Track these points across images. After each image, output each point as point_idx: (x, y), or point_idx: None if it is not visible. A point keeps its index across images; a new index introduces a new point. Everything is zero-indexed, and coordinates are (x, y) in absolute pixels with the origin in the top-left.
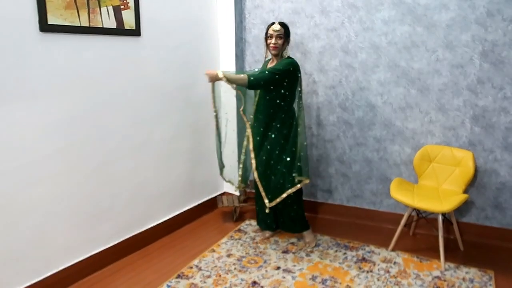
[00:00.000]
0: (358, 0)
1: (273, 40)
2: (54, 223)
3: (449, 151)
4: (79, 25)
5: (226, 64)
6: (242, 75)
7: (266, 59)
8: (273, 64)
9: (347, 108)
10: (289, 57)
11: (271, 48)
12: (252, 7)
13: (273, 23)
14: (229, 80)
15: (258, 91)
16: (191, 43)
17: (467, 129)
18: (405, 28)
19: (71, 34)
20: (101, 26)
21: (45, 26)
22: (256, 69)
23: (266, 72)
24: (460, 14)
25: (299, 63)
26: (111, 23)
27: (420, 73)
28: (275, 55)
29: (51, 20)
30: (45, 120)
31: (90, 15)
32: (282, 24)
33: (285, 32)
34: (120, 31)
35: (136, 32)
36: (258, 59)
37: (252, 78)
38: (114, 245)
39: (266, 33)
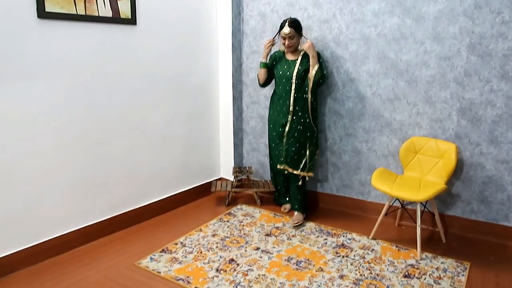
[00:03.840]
0: None
1: (286, 42)
2: (50, 193)
3: (434, 143)
4: (75, 13)
5: (224, 55)
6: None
7: (281, 50)
8: (291, 55)
9: (337, 99)
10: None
11: (286, 47)
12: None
13: (283, 26)
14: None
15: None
16: (187, 32)
17: (454, 122)
18: (394, 20)
19: (67, 21)
20: (97, 15)
21: (42, 13)
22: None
23: (323, 73)
24: (448, 6)
25: None
26: (107, 12)
27: (409, 65)
28: (292, 50)
29: (49, 7)
30: (43, 99)
31: (87, 4)
32: (292, 25)
33: (295, 30)
34: (116, 19)
35: (131, 21)
36: (255, 50)
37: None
38: (107, 219)
39: (279, 32)
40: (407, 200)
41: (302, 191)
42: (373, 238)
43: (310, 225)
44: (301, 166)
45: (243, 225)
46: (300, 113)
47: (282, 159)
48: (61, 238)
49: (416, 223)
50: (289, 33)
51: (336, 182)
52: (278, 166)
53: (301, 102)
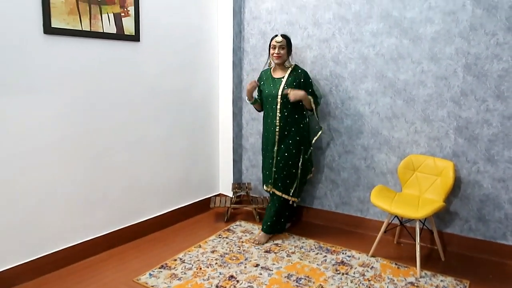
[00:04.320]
0: (348, 13)
1: (276, 50)
2: (50, 207)
3: (432, 161)
4: (80, 29)
5: (224, 72)
6: (311, 99)
7: (269, 67)
8: (277, 73)
9: (336, 117)
10: (296, 65)
11: (274, 57)
12: (251, 18)
13: (276, 35)
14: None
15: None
16: (189, 49)
17: (451, 140)
18: (392, 40)
19: (72, 37)
20: (102, 31)
21: (48, 29)
22: (263, 78)
23: (318, 99)
24: (444, 27)
25: None
26: (111, 28)
27: (406, 84)
28: (279, 64)
29: (55, 23)
30: (46, 113)
31: (92, 20)
32: (284, 36)
33: (287, 43)
34: (120, 36)
35: (135, 37)
36: (255, 67)
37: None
38: (106, 234)
39: (270, 45)
40: (406, 217)
41: (280, 212)
42: (373, 256)
43: (309, 242)
44: (291, 191)
45: (242, 242)
46: (286, 132)
47: (270, 180)
48: (61, 252)
49: (415, 240)
50: (281, 42)
51: (335, 199)
52: (265, 188)
53: (289, 120)
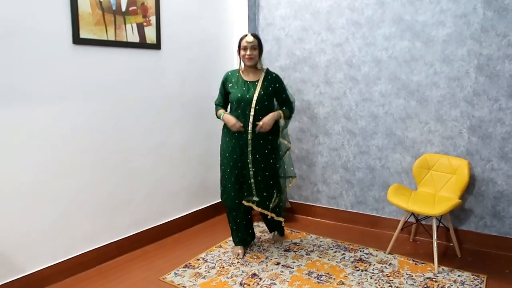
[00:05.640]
0: (361, 18)
1: (248, 52)
2: (78, 211)
3: (446, 160)
4: (106, 39)
5: None
6: (281, 115)
7: (240, 70)
8: (249, 76)
9: (351, 118)
10: (268, 69)
11: (246, 59)
12: (265, 25)
13: (245, 35)
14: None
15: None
16: (207, 57)
17: (465, 139)
18: (404, 43)
19: (99, 47)
20: (126, 40)
21: (77, 39)
22: (236, 86)
23: (292, 104)
24: (456, 30)
25: (307, 76)
26: (134, 37)
27: (419, 85)
28: (250, 66)
29: (83, 34)
30: (73, 121)
31: (116, 30)
32: (255, 36)
33: (258, 43)
34: (142, 45)
35: (157, 46)
36: None
37: (290, 115)
38: (132, 236)
39: (239, 45)
40: (424, 214)
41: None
42: (390, 253)
43: (327, 241)
44: (270, 206)
45: (261, 241)
46: (261, 141)
47: (245, 193)
48: (89, 254)
49: (432, 237)
50: (252, 42)
51: (350, 199)
52: (244, 202)
53: (261, 133)
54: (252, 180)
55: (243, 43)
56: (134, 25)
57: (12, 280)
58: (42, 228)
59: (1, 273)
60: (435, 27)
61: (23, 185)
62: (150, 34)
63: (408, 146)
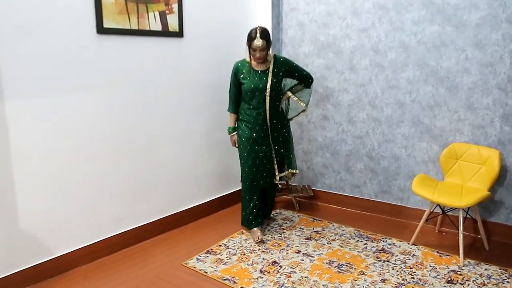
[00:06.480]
0: (388, 2)
1: (257, 54)
2: (104, 196)
3: (476, 150)
4: (129, 28)
5: None
6: (289, 96)
7: (250, 61)
8: (259, 66)
9: (376, 106)
10: (276, 55)
11: (257, 59)
12: (289, 10)
13: (254, 37)
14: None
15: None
16: (230, 44)
17: (497, 128)
18: (434, 27)
19: (122, 36)
20: (148, 29)
21: (101, 29)
22: (244, 71)
23: (307, 73)
24: (490, 13)
25: (331, 62)
26: (157, 26)
27: (449, 71)
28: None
29: (106, 23)
30: (99, 108)
31: (139, 19)
32: (263, 36)
33: (267, 43)
34: (165, 33)
35: (179, 34)
36: (293, 59)
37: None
38: (155, 221)
39: (249, 45)
40: (449, 206)
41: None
42: (414, 244)
43: (349, 230)
44: (286, 166)
45: (283, 229)
46: (279, 126)
47: (268, 177)
48: (115, 238)
49: (458, 229)
50: (261, 45)
51: (374, 188)
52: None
53: (276, 113)
54: (278, 158)
55: (253, 46)
56: (157, 13)
57: (43, 262)
58: (70, 213)
59: (33, 254)
60: (467, 10)
61: (53, 171)
62: (172, 22)
63: (435, 135)
